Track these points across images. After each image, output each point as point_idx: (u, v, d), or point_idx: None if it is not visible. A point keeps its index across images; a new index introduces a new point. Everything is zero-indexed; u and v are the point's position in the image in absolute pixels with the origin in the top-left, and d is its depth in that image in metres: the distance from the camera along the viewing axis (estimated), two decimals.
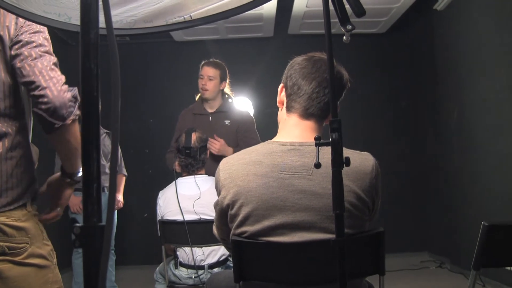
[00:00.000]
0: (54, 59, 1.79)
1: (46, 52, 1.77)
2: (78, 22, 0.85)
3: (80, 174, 1.90)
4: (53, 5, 1.35)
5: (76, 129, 1.80)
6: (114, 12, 1.35)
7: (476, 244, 2.19)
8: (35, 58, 1.72)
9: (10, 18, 1.73)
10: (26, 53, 1.72)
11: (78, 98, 1.78)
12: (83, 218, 0.81)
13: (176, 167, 3.60)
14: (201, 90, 4.32)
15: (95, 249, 0.80)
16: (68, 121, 1.74)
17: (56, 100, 1.70)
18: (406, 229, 7.06)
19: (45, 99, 1.69)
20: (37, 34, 1.77)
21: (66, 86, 1.75)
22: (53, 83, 1.72)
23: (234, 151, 3.58)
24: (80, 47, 0.83)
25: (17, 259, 1.73)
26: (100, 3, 0.84)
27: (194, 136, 3.55)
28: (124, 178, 5.54)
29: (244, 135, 4.28)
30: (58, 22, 1.34)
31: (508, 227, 2.26)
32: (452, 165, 6.16)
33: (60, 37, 6.45)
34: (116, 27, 1.37)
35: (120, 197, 5.36)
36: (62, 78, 1.77)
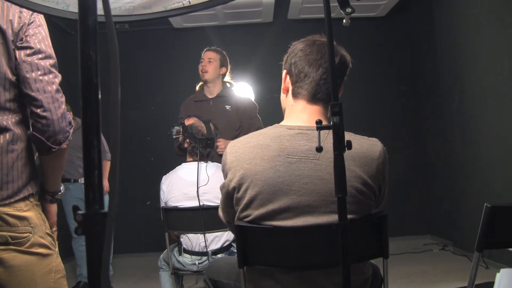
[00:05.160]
0: (54, 61, 1.81)
1: (54, 66, 1.80)
2: (77, 10, 0.84)
3: (62, 191, 1.97)
4: None
5: (66, 150, 1.87)
6: None
7: (479, 226, 2.19)
8: (44, 74, 1.75)
9: (14, 12, 1.72)
10: (36, 62, 1.74)
11: (72, 122, 1.86)
12: (85, 205, 0.81)
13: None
14: (201, 73, 4.39)
15: (98, 236, 0.80)
16: (64, 146, 1.81)
17: (56, 125, 1.76)
18: (409, 213, 7.09)
19: (44, 121, 1.74)
20: (43, 39, 1.78)
21: (64, 108, 1.80)
22: (55, 107, 1.76)
23: (236, 137, 3.61)
24: (78, 35, 0.82)
25: (21, 248, 1.74)
26: None
27: (212, 127, 3.58)
28: (108, 163, 5.55)
29: (248, 122, 4.31)
30: (57, 10, 1.33)
31: (511, 208, 2.26)
32: (453, 148, 6.15)
33: (59, 26, 6.43)
34: (114, 14, 1.36)
35: (105, 182, 5.38)
36: (63, 100, 1.81)
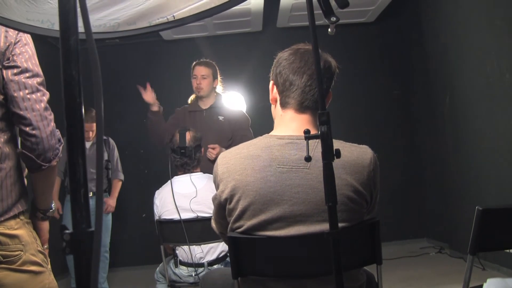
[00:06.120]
0: (41, 79, 1.81)
1: (41, 84, 1.80)
2: None
3: (53, 209, 1.96)
4: (35, 12, 1.35)
5: (56, 167, 1.87)
6: (97, 16, 1.35)
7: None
8: (32, 92, 1.75)
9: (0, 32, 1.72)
10: (23, 81, 1.74)
11: (61, 140, 1.86)
12: (72, 224, 0.81)
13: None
14: (195, 89, 4.46)
15: (86, 255, 0.80)
16: (54, 163, 1.81)
17: (46, 143, 1.76)
18: (404, 217, 7.09)
19: (34, 139, 1.74)
20: (29, 57, 1.78)
21: (53, 126, 1.80)
22: (44, 125, 1.76)
23: (228, 147, 3.63)
24: (60, 55, 0.83)
25: (12, 266, 1.73)
26: (79, 9, 0.84)
27: (188, 136, 3.56)
28: (120, 183, 5.52)
29: (241, 133, 4.35)
30: (41, 29, 1.34)
31: (502, 210, 2.27)
32: (447, 150, 6.17)
33: (49, 42, 6.42)
34: (100, 30, 1.37)
35: (110, 201, 5.34)
36: (52, 117, 1.81)
